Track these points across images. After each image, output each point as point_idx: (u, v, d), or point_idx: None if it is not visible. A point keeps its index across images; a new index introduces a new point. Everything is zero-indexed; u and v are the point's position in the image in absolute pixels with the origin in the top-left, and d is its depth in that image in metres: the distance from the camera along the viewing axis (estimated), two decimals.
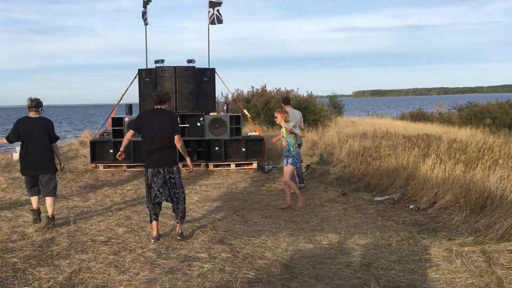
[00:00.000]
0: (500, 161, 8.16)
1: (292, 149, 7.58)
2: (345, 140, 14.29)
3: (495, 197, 6.52)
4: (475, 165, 8.10)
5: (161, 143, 5.79)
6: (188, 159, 6.04)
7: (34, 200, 6.61)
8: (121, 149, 5.98)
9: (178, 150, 5.97)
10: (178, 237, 5.87)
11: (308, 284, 4.52)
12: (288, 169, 7.61)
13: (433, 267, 5.01)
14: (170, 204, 6.04)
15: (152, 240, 5.78)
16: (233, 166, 11.64)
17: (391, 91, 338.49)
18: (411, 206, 7.24)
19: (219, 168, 11.58)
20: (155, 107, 5.96)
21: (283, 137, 7.65)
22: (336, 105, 30.38)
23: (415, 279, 4.70)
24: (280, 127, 7.84)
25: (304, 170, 10.21)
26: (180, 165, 6.29)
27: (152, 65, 12.04)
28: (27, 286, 4.45)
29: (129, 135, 5.99)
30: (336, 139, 14.85)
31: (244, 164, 11.70)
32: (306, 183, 9.42)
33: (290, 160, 7.59)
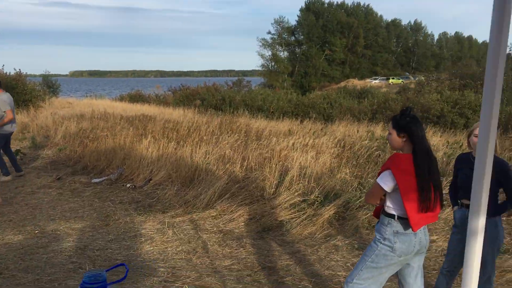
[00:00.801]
0: (205, 138, 9.11)
1: None
2: (60, 122, 13.50)
3: (201, 170, 7.26)
4: (185, 143, 8.83)
5: None
6: None
7: None
8: None
9: None
10: None
11: (15, 278, 4.15)
12: None
13: (148, 240, 5.28)
14: None
15: None
16: None
17: (110, 72, 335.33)
18: (128, 185, 7.40)
19: None
20: None
21: None
22: (50, 85, 28.30)
23: (131, 254, 4.87)
24: None
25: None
26: None
27: None
28: None
29: None
30: (50, 121, 13.88)
31: None
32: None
33: None
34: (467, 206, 3.44)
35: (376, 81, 60.11)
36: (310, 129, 11.11)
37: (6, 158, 8.18)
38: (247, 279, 4.38)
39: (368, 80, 62.37)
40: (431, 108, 15.97)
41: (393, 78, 61.38)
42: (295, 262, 4.81)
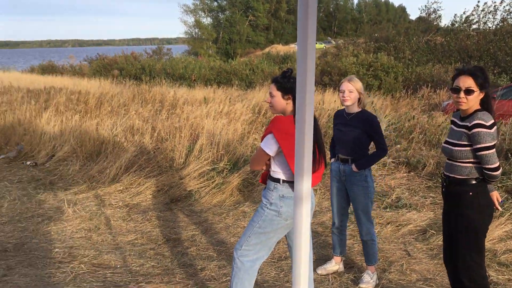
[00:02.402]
0: (114, 109, 8.69)
1: None
2: None
3: (108, 143, 6.92)
4: (91, 115, 8.37)
5: None
6: None
7: None
8: None
9: None
10: None
11: None
12: None
13: (45, 220, 4.95)
14: None
15: None
16: None
17: (23, 42, 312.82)
18: (28, 163, 6.91)
19: None
20: None
21: None
22: None
23: (25, 237, 4.54)
24: None
25: None
26: None
27: None
28: None
29: None
30: None
31: None
32: None
33: None
34: (342, 160, 3.52)
35: None
36: (226, 97, 10.96)
37: None
38: (150, 253, 4.23)
39: (292, 45, 62.91)
40: (348, 71, 16.36)
41: (316, 43, 62.31)
42: (201, 232, 4.72)
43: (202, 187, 5.69)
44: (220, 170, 5.88)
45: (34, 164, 6.86)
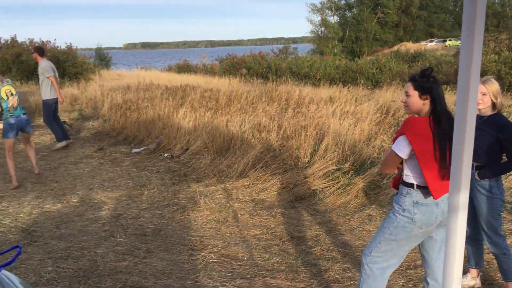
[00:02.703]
0: (240, 106, 9.02)
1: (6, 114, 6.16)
2: (108, 93, 13.84)
3: (237, 139, 7.21)
4: (222, 112, 8.79)
5: None
6: None
7: None
8: None
9: None
10: None
11: (49, 246, 4.30)
12: (6, 143, 6.19)
13: (180, 209, 5.32)
14: None
15: None
16: None
17: (162, 43, 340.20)
18: (165, 155, 7.48)
19: None
20: None
21: (12, 95, 6.15)
22: (102, 57, 29.06)
23: (162, 223, 4.92)
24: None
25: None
26: None
27: None
28: None
29: None
30: (99, 93, 14.25)
31: None
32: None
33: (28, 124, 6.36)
34: (474, 167, 3.22)
35: (432, 43, 57.35)
36: (353, 96, 10.75)
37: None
38: (274, 249, 4.32)
39: (423, 43, 59.59)
40: (487, 70, 15.05)
41: (450, 40, 58.32)
42: (325, 232, 4.69)
43: (327, 187, 5.65)
44: (345, 170, 5.78)
45: (170, 156, 7.41)
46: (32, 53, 8.35)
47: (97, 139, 9.11)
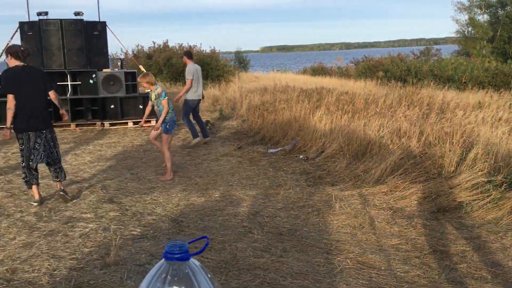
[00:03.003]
0: (381, 111, 8.73)
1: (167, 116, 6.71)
2: (246, 95, 14.45)
3: (374, 143, 7.00)
4: (359, 116, 8.60)
5: (39, 104, 5.42)
6: (63, 110, 5.77)
7: None
8: (8, 124, 5.28)
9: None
10: (62, 193, 5.61)
11: (194, 236, 4.59)
12: (163, 137, 6.78)
13: (314, 211, 5.32)
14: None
15: (35, 204, 5.48)
16: (130, 124, 11.31)
17: (297, 46, 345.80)
18: (300, 156, 7.56)
19: (116, 127, 11.20)
20: (20, 64, 5.34)
21: (151, 100, 6.76)
22: (241, 60, 30.44)
23: (297, 224, 4.97)
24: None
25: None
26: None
27: (34, 18, 11.09)
28: None
29: (11, 103, 5.22)
30: (238, 94, 14.96)
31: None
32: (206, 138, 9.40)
33: (162, 128, 6.76)
34: None
35: None
36: (506, 102, 9.76)
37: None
38: (415, 261, 4.09)
39: None
40: None
41: None
42: (472, 249, 4.32)
43: (475, 200, 5.20)
44: (497, 183, 5.26)
45: (306, 158, 7.47)
46: (182, 57, 9.11)
47: (236, 138, 9.55)
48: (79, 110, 11.10)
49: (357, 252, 4.25)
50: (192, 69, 8.81)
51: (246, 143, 8.92)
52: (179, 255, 1.29)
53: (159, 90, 6.61)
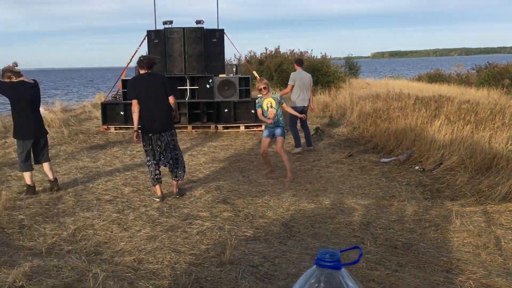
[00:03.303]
0: (505, 121, 8.00)
1: (281, 119, 7.05)
2: (357, 102, 14.17)
3: (501, 158, 6.44)
4: (484, 127, 7.98)
5: (161, 107, 5.84)
6: (177, 113, 6.15)
7: (29, 175, 6.21)
8: (136, 127, 5.84)
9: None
10: (177, 196, 6.00)
11: (305, 242, 4.59)
12: (280, 140, 7.04)
13: (432, 226, 5.03)
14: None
15: (157, 200, 5.90)
16: (242, 127, 11.66)
17: (410, 52, 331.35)
18: (416, 167, 7.21)
19: (229, 130, 11.62)
20: (145, 71, 5.87)
21: (271, 107, 6.96)
22: (352, 66, 29.91)
23: (413, 238, 4.74)
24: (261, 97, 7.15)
25: (312, 133, 10.21)
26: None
27: (161, 27, 11.94)
28: (32, 241, 4.62)
29: (135, 107, 5.77)
30: (348, 101, 14.72)
31: (253, 126, 11.71)
32: (314, 145, 9.39)
33: (279, 131, 7.04)
34: None
35: None
36: None
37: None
38: None
39: None
40: None
41: None
42: None
43: None
44: None
45: (422, 169, 7.10)
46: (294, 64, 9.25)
47: (347, 146, 9.39)
48: (196, 113, 11.70)
49: (481, 273, 3.93)
50: (294, 76, 8.91)
51: (357, 151, 8.73)
52: (332, 264, 1.29)
53: (279, 93, 6.92)
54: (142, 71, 5.88)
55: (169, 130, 5.91)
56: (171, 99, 5.92)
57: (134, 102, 5.78)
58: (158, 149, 5.84)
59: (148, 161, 5.94)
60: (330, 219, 5.30)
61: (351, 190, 6.44)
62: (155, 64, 5.98)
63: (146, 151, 5.93)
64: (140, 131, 5.86)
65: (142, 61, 5.85)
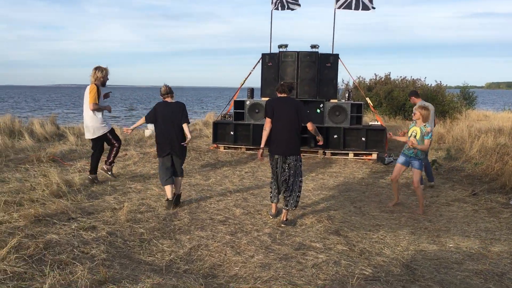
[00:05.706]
0: None
1: (420, 153, 6.75)
2: (476, 135, 13.14)
3: None
4: None
5: (292, 132, 5.83)
6: (320, 136, 6.17)
7: (169, 189, 6.47)
8: (263, 145, 6.00)
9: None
10: (283, 224, 5.87)
11: None
12: (417, 173, 6.77)
13: None
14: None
15: (271, 217, 6.10)
16: (351, 155, 11.30)
17: None
18: None
19: (337, 157, 11.32)
20: (282, 95, 5.98)
21: (414, 137, 6.74)
22: (467, 96, 28.07)
23: None
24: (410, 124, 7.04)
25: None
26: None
27: (275, 50, 12.07)
28: (151, 256, 4.72)
29: (268, 125, 5.89)
30: (466, 134, 13.71)
31: (363, 154, 11.29)
32: None
33: (417, 164, 6.77)
34: None
35: None
36: None
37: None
38: None
39: None
40: None
41: None
42: None
43: None
44: None
45: None
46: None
47: (468, 183, 8.64)
48: (304, 138, 11.57)
49: None
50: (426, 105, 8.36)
51: (482, 190, 7.96)
52: None
53: (428, 129, 6.68)
54: (280, 95, 6.00)
55: (294, 155, 5.87)
56: (309, 126, 5.94)
57: (268, 121, 5.91)
58: (281, 171, 5.89)
59: (272, 177, 6.13)
60: (456, 264, 4.79)
61: (478, 234, 5.83)
62: (293, 89, 6.12)
63: (272, 169, 6.08)
64: (263, 149, 6.03)
65: (283, 85, 5.99)
